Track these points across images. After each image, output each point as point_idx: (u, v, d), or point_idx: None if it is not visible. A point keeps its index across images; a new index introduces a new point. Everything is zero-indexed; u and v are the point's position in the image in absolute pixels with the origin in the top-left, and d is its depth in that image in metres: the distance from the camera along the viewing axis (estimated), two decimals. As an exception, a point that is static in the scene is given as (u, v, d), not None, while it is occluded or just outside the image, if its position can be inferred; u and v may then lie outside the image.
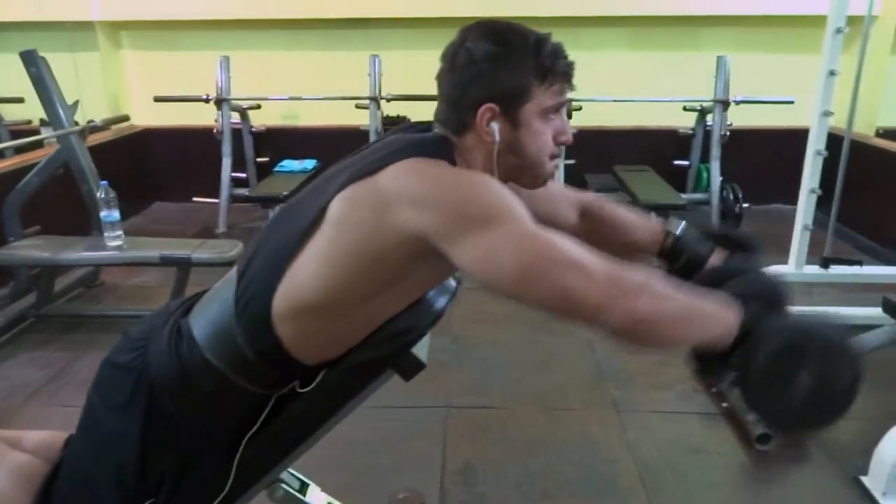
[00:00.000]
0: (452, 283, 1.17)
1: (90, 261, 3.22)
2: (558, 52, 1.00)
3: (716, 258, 1.17)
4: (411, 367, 1.05)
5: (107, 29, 4.82)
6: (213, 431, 1.06)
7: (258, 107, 4.79)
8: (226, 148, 4.53)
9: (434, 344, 2.71)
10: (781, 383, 0.91)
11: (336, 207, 0.93)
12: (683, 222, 1.21)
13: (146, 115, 5.01)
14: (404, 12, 4.63)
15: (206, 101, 4.45)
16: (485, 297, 3.36)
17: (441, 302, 1.10)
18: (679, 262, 1.18)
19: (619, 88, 4.51)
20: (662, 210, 3.76)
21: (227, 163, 4.51)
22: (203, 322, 1.02)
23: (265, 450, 1.09)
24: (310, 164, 4.55)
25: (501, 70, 0.97)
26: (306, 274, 0.95)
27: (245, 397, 1.03)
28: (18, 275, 3.18)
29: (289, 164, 4.54)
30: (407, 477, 2.00)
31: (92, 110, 4.26)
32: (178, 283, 2.93)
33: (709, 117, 4.44)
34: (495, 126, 0.99)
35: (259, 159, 4.89)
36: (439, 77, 1.02)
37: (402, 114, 4.74)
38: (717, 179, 4.32)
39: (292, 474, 1.25)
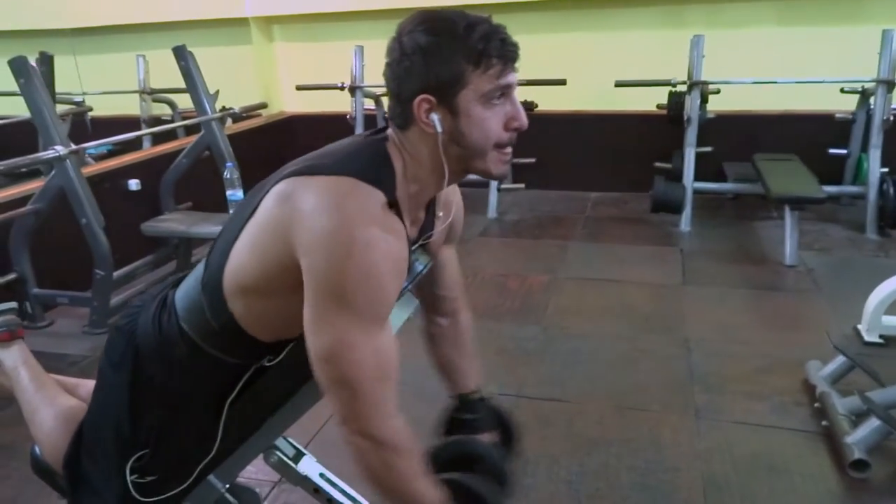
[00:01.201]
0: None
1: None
2: (491, 34, 0.95)
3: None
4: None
5: (260, 23, 5.23)
6: (192, 395, 1.14)
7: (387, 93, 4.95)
8: (358, 130, 4.76)
9: (522, 332, 2.76)
10: None
11: (268, 198, 0.97)
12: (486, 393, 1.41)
13: (293, 103, 5.40)
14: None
15: (342, 88, 4.70)
16: (587, 288, 3.31)
17: (406, 287, 1.09)
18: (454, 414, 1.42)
19: (763, 68, 4.13)
20: (799, 204, 3.40)
21: (358, 147, 4.74)
22: (181, 294, 1.11)
23: (246, 416, 1.16)
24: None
25: (432, 59, 0.95)
26: (242, 258, 1.01)
27: (219, 365, 1.10)
28: (166, 244, 3.59)
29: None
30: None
31: (245, 98, 4.68)
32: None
33: (871, 100, 3.92)
34: (435, 117, 0.97)
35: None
36: (384, 74, 1.01)
37: (530, 99, 4.69)
38: (876, 171, 3.81)
39: (289, 442, 1.32)
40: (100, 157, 4.32)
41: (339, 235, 0.90)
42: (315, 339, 0.94)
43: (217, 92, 3.77)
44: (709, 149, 4.27)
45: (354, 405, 0.95)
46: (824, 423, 2.08)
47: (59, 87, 5.30)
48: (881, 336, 2.60)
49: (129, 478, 1.16)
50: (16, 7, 5.45)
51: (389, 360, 0.97)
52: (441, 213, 1.15)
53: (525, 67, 4.11)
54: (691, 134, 4.01)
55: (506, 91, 0.98)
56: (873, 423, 1.90)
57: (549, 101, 4.67)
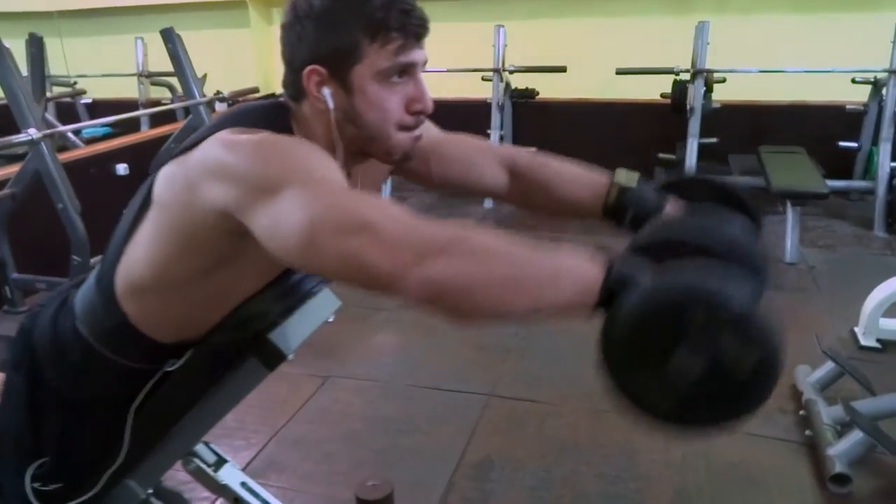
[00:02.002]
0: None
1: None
2: (392, 3, 0.84)
3: (673, 207, 0.99)
4: (269, 357, 0.97)
5: (258, 6, 5.15)
6: (92, 401, 1.06)
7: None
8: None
9: (502, 328, 2.65)
10: (652, 364, 0.68)
11: (157, 187, 0.88)
12: (636, 173, 1.03)
13: (292, 87, 5.33)
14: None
15: (339, 73, 4.61)
16: None
17: (307, 287, 1.00)
18: (625, 219, 1.01)
19: (771, 57, 3.97)
20: (801, 199, 3.27)
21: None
22: (80, 293, 1.03)
23: (155, 424, 1.08)
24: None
25: (325, 26, 0.84)
26: (137, 254, 0.92)
27: (118, 370, 1.02)
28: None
29: (410, 136, 4.57)
30: (418, 462, 1.94)
31: (243, 82, 4.61)
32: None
33: (884, 91, 3.75)
34: (326, 91, 0.86)
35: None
36: (280, 39, 0.91)
37: (531, 86, 4.58)
38: (885, 165, 3.65)
39: (211, 449, 1.25)
40: (92, 141, 4.28)
41: (240, 149, 0.79)
42: (288, 244, 0.73)
43: (205, 75, 3.70)
44: (714, 140, 4.13)
45: (385, 241, 0.69)
46: (808, 432, 1.97)
47: (57, 70, 5.31)
48: (878, 340, 2.47)
49: (29, 485, 1.09)
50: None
51: (372, 196, 0.76)
52: (360, 185, 1.03)
53: (525, 54, 4.05)
54: (694, 124, 3.87)
55: (407, 69, 0.87)
56: (857, 434, 1.80)
57: (550, 89, 4.55)
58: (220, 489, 1.22)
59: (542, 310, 0.71)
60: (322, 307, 1.08)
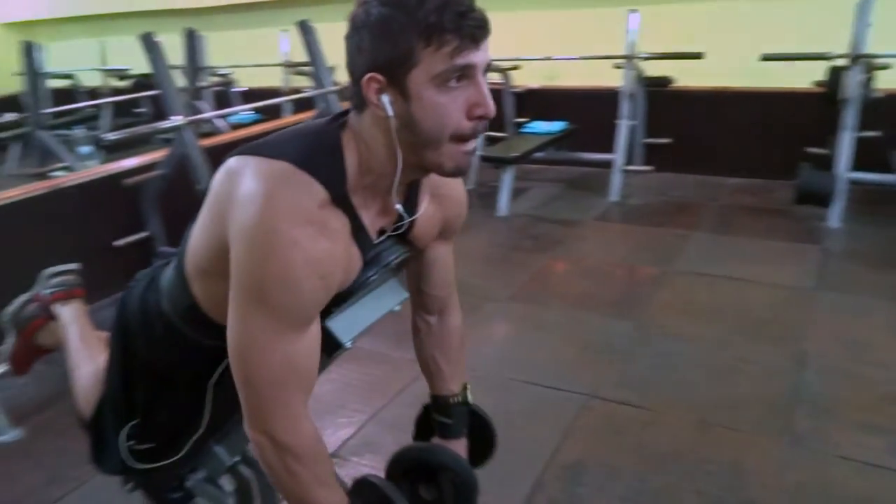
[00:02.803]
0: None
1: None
2: (446, 5, 0.81)
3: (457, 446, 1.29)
4: (326, 344, 0.98)
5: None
6: (174, 373, 1.14)
7: (516, 67, 4.81)
8: (482, 108, 4.67)
9: (613, 327, 2.58)
10: None
11: (218, 174, 0.92)
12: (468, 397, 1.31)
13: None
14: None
15: (467, 62, 4.61)
16: (700, 285, 3.03)
17: (367, 276, 1.00)
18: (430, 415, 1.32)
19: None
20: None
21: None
22: (166, 272, 1.10)
23: (230, 397, 1.14)
24: (557, 125, 4.44)
25: (381, 34, 0.83)
26: (196, 238, 0.98)
27: (195, 346, 1.08)
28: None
29: (536, 126, 4.50)
30: (508, 457, 1.90)
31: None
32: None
33: None
34: (386, 99, 0.85)
35: (519, 119, 4.94)
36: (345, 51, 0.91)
37: (666, 74, 4.34)
38: None
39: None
40: (239, 126, 4.61)
41: (261, 231, 0.83)
42: (230, 333, 0.91)
43: (334, 67, 3.84)
44: (875, 133, 3.70)
45: (258, 405, 0.92)
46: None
47: (214, 62, 5.74)
48: None
49: (124, 443, 1.19)
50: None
51: (299, 367, 0.92)
52: (423, 204, 1.04)
53: (658, 39, 3.83)
54: (850, 116, 3.49)
55: (466, 72, 0.84)
56: None
57: (686, 77, 4.29)
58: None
59: None
60: (386, 298, 1.08)
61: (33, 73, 4.55)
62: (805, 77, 3.90)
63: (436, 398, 1.31)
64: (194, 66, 4.74)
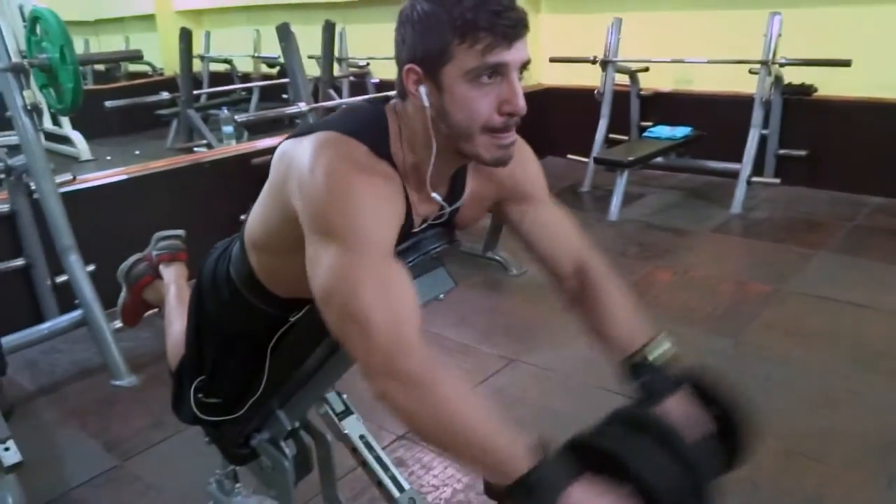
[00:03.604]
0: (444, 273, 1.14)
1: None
2: (483, 3, 0.84)
3: (677, 403, 1.04)
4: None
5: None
6: (238, 335, 1.24)
7: (646, 69, 4.66)
8: (604, 109, 4.57)
9: (710, 343, 2.48)
10: None
11: (274, 158, 0.99)
12: (667, 346, 1.09)
13: (551, 75, 5.37)
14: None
15: (593, 62, 4.54)
16: (814, 308, 2.85)
17: (411, 257, 1.03)
18: (633, 384, 1.08)
19: None
20: None
21: (602, 124, 4.57)
22: (237, 243, 1.20)
23: (286, 364, 1.23)
24: (681, 131, 4.26)
25: (422, 28, 0.88)
26: (255, 214, 1.06)
27: (256, 312, 1.18)
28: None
29: (659, 130, 4.34)
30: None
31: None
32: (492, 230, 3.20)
33: None
34: (423, 90, 0.90)
35: (644, 123, 4.79)
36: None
37: (808, 82, 4.04)
38: None
39: (341, 399, 1.36)
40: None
41: (318, 172, 0.88)
42: (314, 283, 0.88)
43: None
44: None
45: (368, 342, 0.83)
46: None
47: (353, 54, 6.02)
48: None
49: (192, 394, 1.31)
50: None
51: (397, 293, 0.86)
52: (468, 191, 1.06)
53: (802, 44, 3.60)
54: None
55: (498, 69, 0.87)
56: None
57: (830, 86, 3.97)
58: (343, 437, 1.33)
59: (463, 466, 0.84)
60: (433, 285, 1.12)
61: (187, 56, 5.01)
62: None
63: (622, 364, 1.09)
64: (330, 56, 5.00)
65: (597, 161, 4.02)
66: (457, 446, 0.85)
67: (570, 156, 4.83)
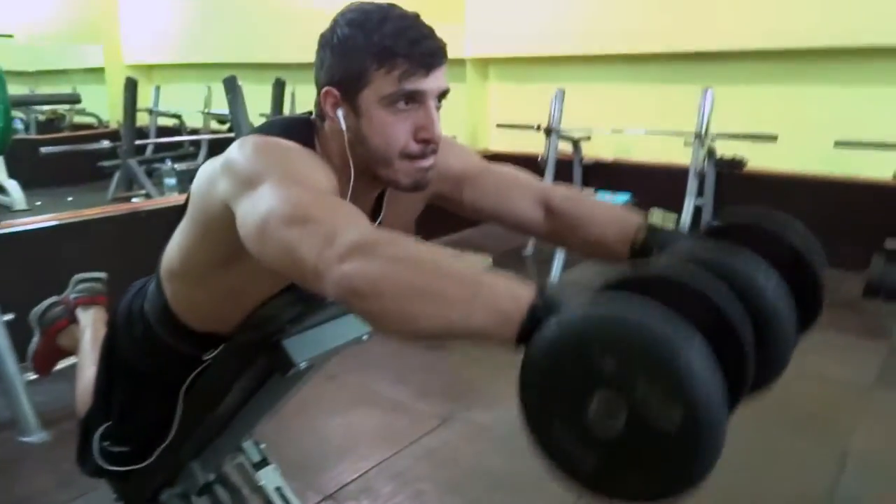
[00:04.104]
0: None
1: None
2: (402, 31, 0.86)
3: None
4: (280, 362, 1.00)
5: (477, 64, 5.44)
6: (150, 376, 1.18)
7: (588, 138, 4.83)
8: (548, 176, 4.65)
9: None
10: (570, 413, 0.59)
11: (195, 180, 0.97)
12: (670, 215, 0.98)
13: (498, 142, 5.52)
14: (743, 45, 4.13)
15: (537, 129, 4.68)
16: None
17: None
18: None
19: None
20: None
21: (545, 189, 4.68)
22: (153, 279, 1.16)
23: (197, 408, 1.16)
24: (621, 198, 4.39)
25: (341, 52, 0.89)
26: (174, 241, 1.03)
27: (169, 351, 1.12)
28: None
29: (600, 197, 4.46)
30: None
31: (451, 132, 4.89)
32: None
33: None
34: (340, 113, 0.90)
35: (585, 189, 4.92)
36: None
37: (739, 154, 4.24)
38: None
39: (258, 449, 1.30)
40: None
41: (246, 147, 0.86)
42: (248, 227, 0.78)
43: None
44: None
45: (313, 237, 0.70)
46: None
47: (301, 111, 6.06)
48: None
49: (98, 442, 1.23)
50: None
51: (324, 178, 0.83)
52: (388, 211, 1.04)
53: (733, 119, 3.75)
54: (931, 211, 3.29)
55: (414, 96, 0.88)
56: None
57: (758, 159, 4.19)
58: (257, 489, 1.27)
59: (452, 330, 0.65)
60: (349, 327, 1.09)
61: (131, 105, 4.96)
62: (883, 168, 3.72)
63: (633, 245, 0.98)
64: (279, 113, 5.04)
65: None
66: (437, 304, 0.64)
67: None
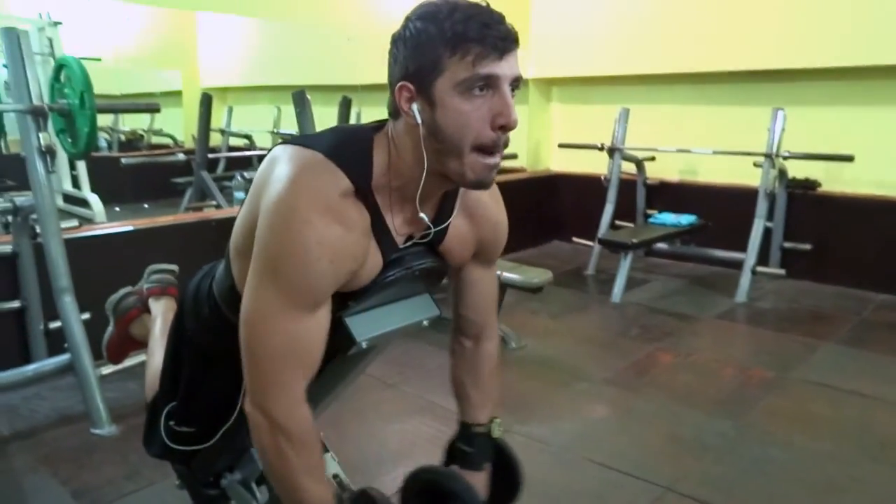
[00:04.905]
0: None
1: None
2: (472, 17, 0.86)
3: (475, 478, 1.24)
4: (342, 340, 1.01)
5: (540, 85, 5.45)
6: (216, 355, 1.20)
7: (653, 158, 4.76)
8: (611, 195, 4.63)
9: (710, 424, 2.42)
10: None
11: (263, 161, 1.00)
12: (489, 442, 1.27)
13: (559, 161, 5.50)
14: (815, 63, 3.99)
15: (601, 149, 4.64)
16: (819, 396, 2.79)
17: (389, 278, 1.01)
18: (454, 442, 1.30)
19: None
20: None
21: (608, 209, 4.61)
22: (222, 261, 1.19)
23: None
24: (686, 219, 4.29)
25: (414, 46, 0.89)
26: (238, 220, 1.05)
27: (237, 331, 1.15)
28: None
29: (664, 217, 4.37)
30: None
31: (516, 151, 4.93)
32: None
33: None
34: (415, 107, 0.90)
35: (649, 210, 4.83)
36: None
37: (812, 176, 4.10)
38: None
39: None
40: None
41: (282, 207, 0.89)
42: (243, 303, 0.96)
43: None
44: None
45: (257, 378, 0.96)
46: None
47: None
48: None
49: (163, 421, 1.27)
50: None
51: (301, 347, 0.95)
52: (456, 218, 1.06)
53: (806, 140, 3.66)
54: None
55: (489, 82, 0.88)
56: None
57: (833, 182, 4.03)
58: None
59: None
60: (414, 310, 1.09)
61: (206, 119, 5.17)
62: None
63: (461, 425, 1.28)
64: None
65: (601, 242, 4.04)
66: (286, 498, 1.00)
67: (575, 239, 4.86)
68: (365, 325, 1.02)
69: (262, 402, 0.95)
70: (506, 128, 0.90)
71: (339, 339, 1.01)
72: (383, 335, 1.05)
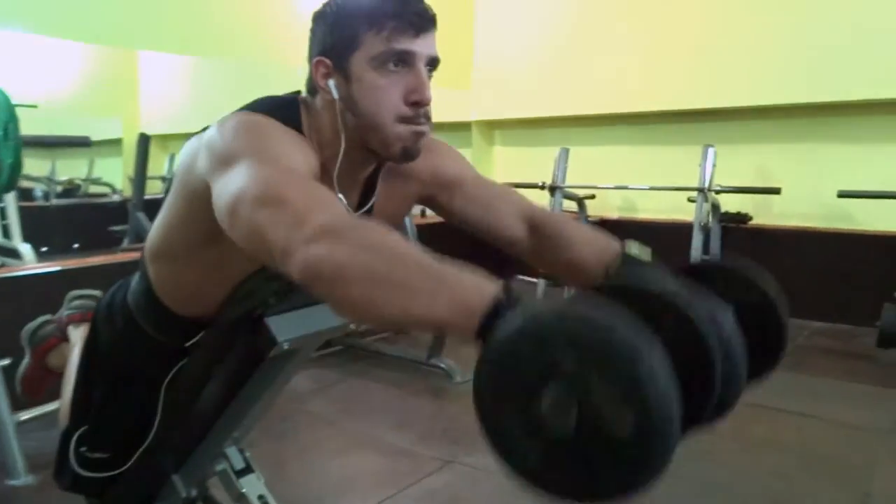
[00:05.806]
0: None
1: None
2: None
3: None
4: (262, 340, 0.97)
5: (482, 127, 5.56)
6: (131, 371, 1.15)
7: (593, 196, 4.86)
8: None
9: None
10: (521, 406, 0.57)
11: (178, 158, 0.97)
12: (646, 248, 0.99)
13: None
14: (743, 102, 4.21)
15: (542, 188, 4.72)
16: (760, 417, 2.79)
17: None
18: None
19: None
20: None
21: (551, 247, 4.67)
22: (136, 273, 1.14)
23: (178, 405, 1.13)
24: (627, 254, 4.37)
25: (333, 22, 0.91)
26: (157, 220, 1.03)
27: (151, 342, 1.10)
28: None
29: (605, 252, 4.45)
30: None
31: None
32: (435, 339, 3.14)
33: None
34: (331, 83, 0.91)
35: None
36: None
37: (743, 210, 4.25)
38: None
39: (242, 456, 1.25)
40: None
41: (226, 126, 0.85)
42: (221, 204, 0.78)
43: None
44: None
45: (283, 217, 0.70)
46: None
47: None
48: None
49: (74, 447, 1.18)
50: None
51: (318, 188, 0.77)
52: (380, 194, 1.03)
53: (737, 175, 3.77)
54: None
55: (404, 57, 0.89)
56: None
57: (763, 216, 4.19)
58: (239, 497, 1.20)
59: (414, 319, 0.64)
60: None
61: (143, 159, 5.08)
62: (887, 220, 3.71)
63: (611, 270, 0.99)
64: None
65: (545, 278, 4.07)
66: (400, 292, 0.63)
67: (520, 276, 4.89)
68: (286, 326, 0.99)
69: (309, 232, 0.67)
70: (419, 104, 0.90)
71: (260, 340, 0.97)
72: (306, 337, 1.02)
